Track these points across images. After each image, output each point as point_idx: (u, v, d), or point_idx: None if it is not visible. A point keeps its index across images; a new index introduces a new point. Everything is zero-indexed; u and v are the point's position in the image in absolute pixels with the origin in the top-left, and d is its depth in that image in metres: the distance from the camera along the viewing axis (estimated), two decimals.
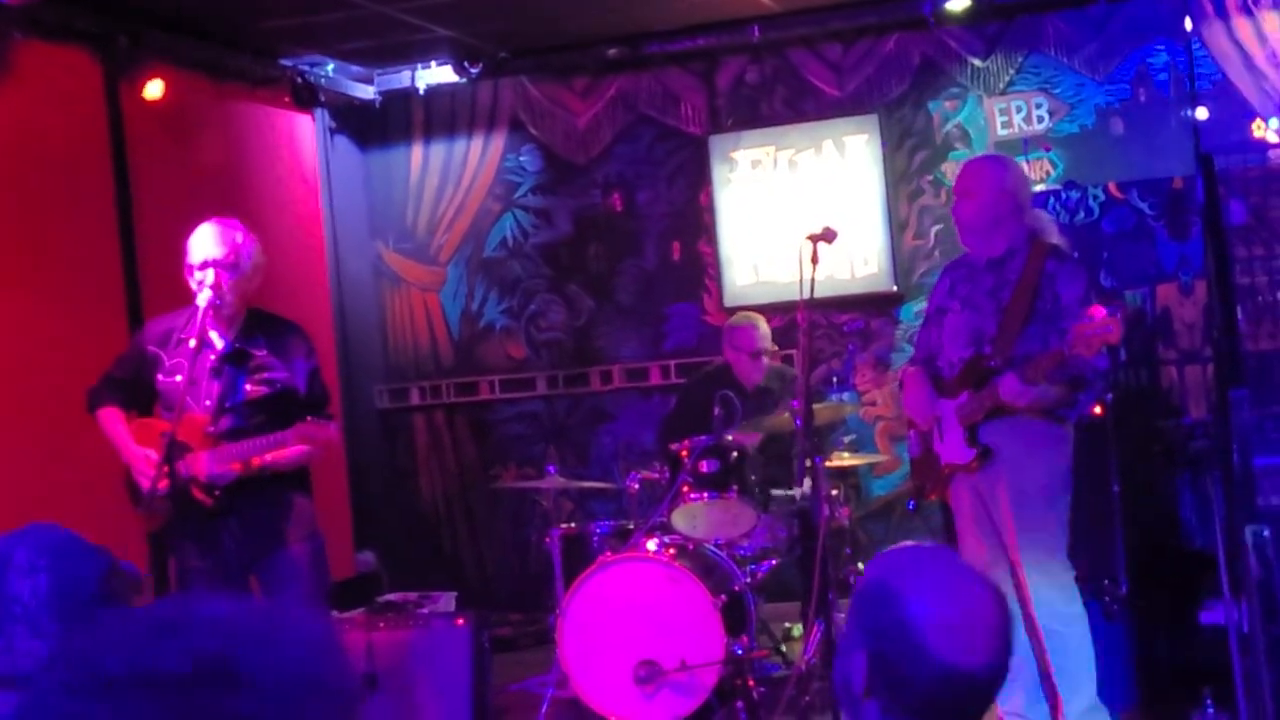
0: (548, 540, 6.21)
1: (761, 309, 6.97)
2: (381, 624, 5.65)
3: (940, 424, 4.81)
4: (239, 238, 4.66)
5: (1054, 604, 4.55)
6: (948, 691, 1.75)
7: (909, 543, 1.97)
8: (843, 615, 5.97)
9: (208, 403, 4.60)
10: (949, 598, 1.78)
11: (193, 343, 4.51)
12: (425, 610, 6.85)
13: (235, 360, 4.65)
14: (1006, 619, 1.81)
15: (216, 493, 4.55)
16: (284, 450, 4.59)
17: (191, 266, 4.61)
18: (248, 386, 4.63)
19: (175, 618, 1.05)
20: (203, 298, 4.55)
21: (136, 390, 4.76)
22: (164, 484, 4.48)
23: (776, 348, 6.73)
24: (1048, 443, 4.61)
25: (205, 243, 4.61)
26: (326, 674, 1.07)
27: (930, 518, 7.27)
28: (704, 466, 5.78)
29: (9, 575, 2.07)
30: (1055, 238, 4.82)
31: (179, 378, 4.54)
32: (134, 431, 4.69)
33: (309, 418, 4.56)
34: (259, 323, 4.75)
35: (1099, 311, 4.19)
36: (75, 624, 2.06)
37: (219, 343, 4.66)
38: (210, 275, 4.56)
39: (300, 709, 1.03)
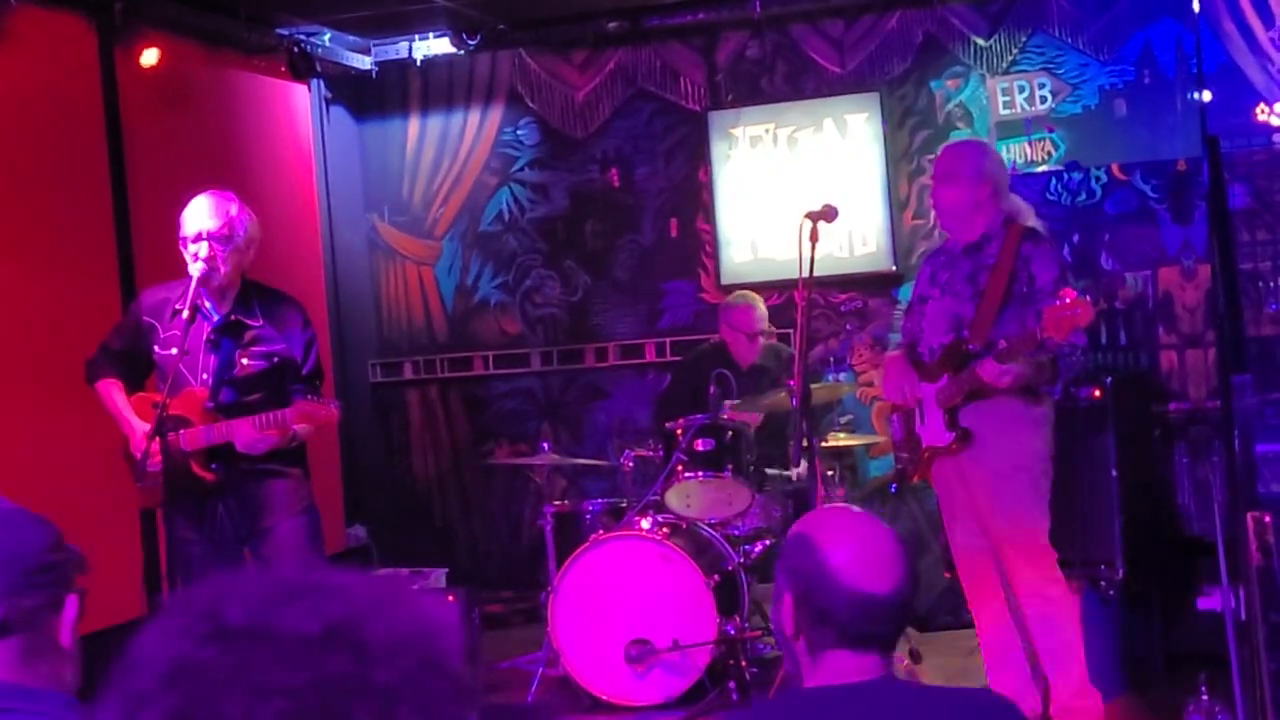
0: (540, 517, 6.17)
1: (759, 287, 6.92)
2: None
3: (921, 407, 4.84)
4: (233, 209, 4.61)
5: (1037, 585, 4.59)
6: (862, 614, 2.09)
7: (823, 506, 2.41)
8: None
9: (204, 376, 4.57)
10: (853, 538, 2.14)
11: (186, 314, 4.47)
12: (416, 586, 6.81)
13: (230, 332, 4.62)
14: (903, 552, 2.16)
15: (214, 466, 4.52)
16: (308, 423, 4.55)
17: (185, 239, 4.56)
18: (244, 360, 4.59)
19: (302, 581, 1.05)
20: (195, 269, 4.51)
21: (134, 361, 4.73)
22: (156, 459, 4.45)
23: (773, 328, 6.68)
24: (1025, 424, 4.64)
25: (199, 214, 4.56)
26: (445, 653, 1.07)
27: (926, 499, 7.25)
28: (699, 445, 5.75)
29: None
30: (1032, 221, 4.85)
31: (174, 350, 4.50)
32: (134, 405, 4.66)
33: (309, 396, 4.53)
34: (254, 294, 4.71)
35: (1069, 293, 4.22)
36: (21, 593, 2.07)
37: (213, 315, 4.62)
38: (204, 248, 4.51)
39: (420, 684, 1.03)
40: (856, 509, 2.28)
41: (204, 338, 4.58)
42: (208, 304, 4.60)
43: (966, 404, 4.66)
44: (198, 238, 4.52)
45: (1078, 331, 4.34)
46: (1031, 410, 4.65)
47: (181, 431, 4.52)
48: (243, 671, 0.98)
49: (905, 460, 4.96)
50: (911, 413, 4.89)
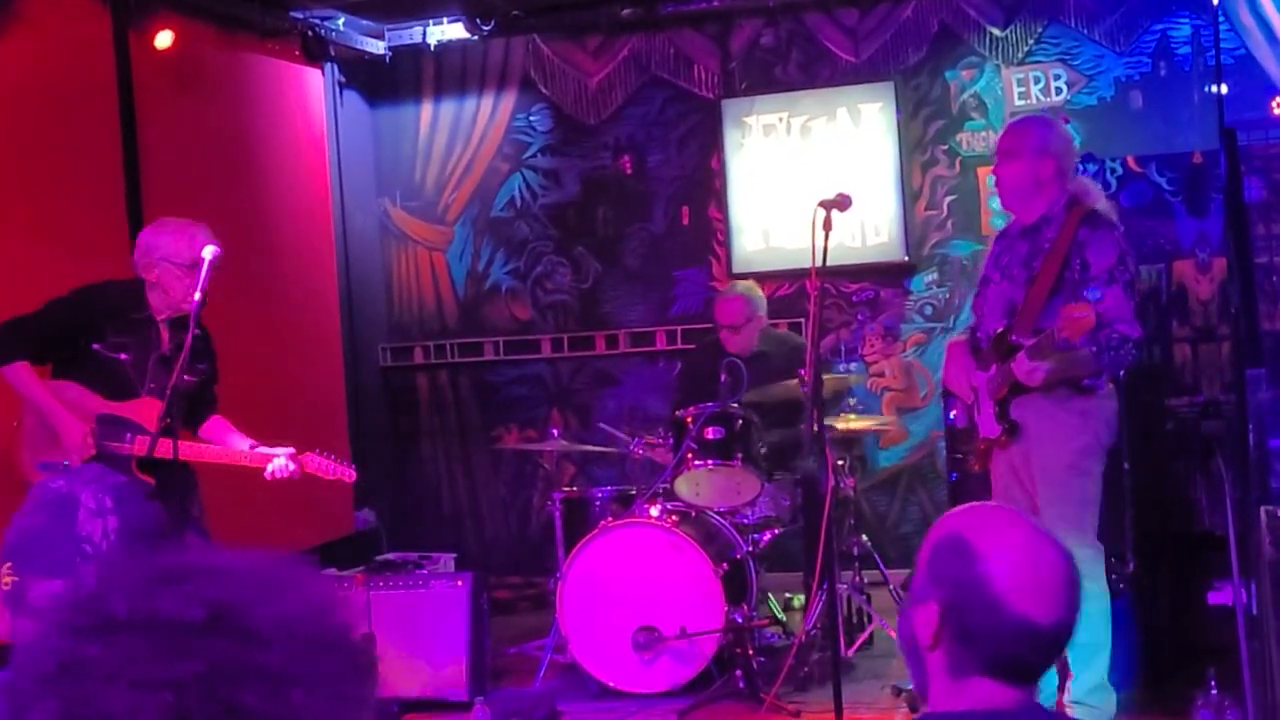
0: (549, 503, 6.16)
1: (770, 276, 6.91)
2: (380, 582, 5.63)
3: (978, 396, 4.72)
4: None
5: None
6: (1020, 645, 1.82)
7: (983, 502, 2.06)
8: (845, 585, 5.96)
9: (152, 385, 4.68)
10: (1025, 555, 1.83)
11: (168, 319, 4.62)
12: (425, 570, 6.81)
13: (178, 352, 4.69)
14: (1076, 578, 1.87)
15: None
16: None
17: (183, 264, 4.63)
18: (185, 376, 4.67)
19: (186, 565, 1.03)
20: (197, 291, 4.57)
21: (57, 350, 4.75)
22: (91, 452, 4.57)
23: (765, 318, 6.52)
24: (1074, 417, 4.50)
25: (207, 243, 4.63)
26: (337, 631, 1.05)
27: (935, 488, 7.24)
28: (709, 433, 5.74)
29: (79, 516, 2.09)
30: (1100, 203, 4.64)
31: (123, 356, 4.63)
32: (62, 394, 4.71)
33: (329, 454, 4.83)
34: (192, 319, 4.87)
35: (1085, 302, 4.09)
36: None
37: (170, 335, 4.74)
38: (203, 274, 4.58)
39: (311, 664, 1.01)
40: (1020, 512, 2.01)
41: (160, 354, 4.71)
42: (168, 324, 4.72)
43: (1016, 395, 4.52)
44: (197, 264, 4.59)
45: (1089, 335, 4.19)
46: (1077, 403, 4.49)
47: (206, 445, 4.79)
48: (126, 666, 0.96)
49: (966, 449, 4.89)
50: (971, 402, 4.80)
